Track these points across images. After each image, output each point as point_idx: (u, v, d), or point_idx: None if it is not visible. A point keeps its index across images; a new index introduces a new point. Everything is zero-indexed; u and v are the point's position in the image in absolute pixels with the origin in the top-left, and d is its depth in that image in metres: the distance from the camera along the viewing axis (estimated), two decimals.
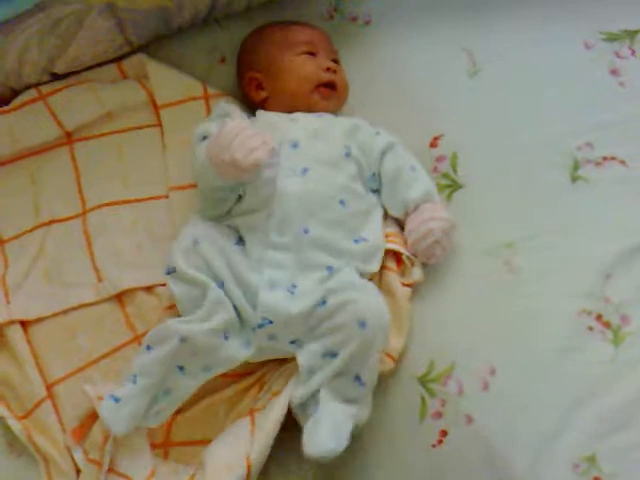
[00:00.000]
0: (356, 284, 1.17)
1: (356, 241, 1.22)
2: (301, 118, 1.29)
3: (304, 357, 1.15)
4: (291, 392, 1.15)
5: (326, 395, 1.13)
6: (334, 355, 1.13)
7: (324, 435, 1.08)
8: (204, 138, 1.23)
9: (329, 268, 1.18)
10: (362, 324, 1.12)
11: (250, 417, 1.18)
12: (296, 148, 1.24)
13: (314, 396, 1.14)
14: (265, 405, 1.18)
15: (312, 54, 1.33)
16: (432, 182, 1.31)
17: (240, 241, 1.20)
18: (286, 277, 1.16)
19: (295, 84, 1.31)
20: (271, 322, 1.15)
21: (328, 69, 1.32)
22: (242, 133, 1.13)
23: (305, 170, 1.21)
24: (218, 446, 1.16)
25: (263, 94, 1.34)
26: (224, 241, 1.19)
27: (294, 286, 1.16)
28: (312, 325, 1.15)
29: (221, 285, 1.15)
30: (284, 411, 1.14)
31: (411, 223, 1.26)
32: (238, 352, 1.16)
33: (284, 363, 1.22)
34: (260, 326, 1.15)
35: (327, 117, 1.31)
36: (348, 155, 1.27)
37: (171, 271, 1.17)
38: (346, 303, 1.13)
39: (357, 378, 1.13)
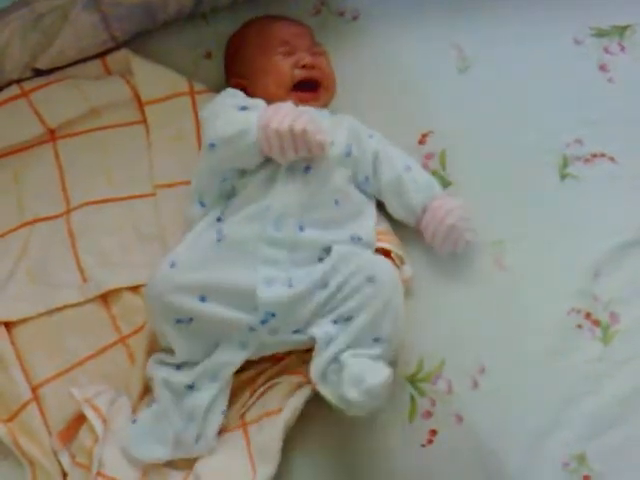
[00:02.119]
0: (351, 250, 1.17)
1: (352, 239, 1.21)
2: None
3: (317, 332, 1.13)
4: (310, 366, 1.13)
5: (348, 356, 1.10)
6: (348, 319, 1.13)
7: (358, 373, 1.06)
8: (243, 108, 1.20)
9: (321, 260, 1.17)
10: (371, 279, 1.12)
11: (242, 431, 1.17)
12: None
13: (334, 362, 1.11)
14: (258, 420, 1.17)
15: (289, 53, 1.30)
16: (428, 175, 1.30)
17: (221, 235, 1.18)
18: (281, 273, 1.15)
19: (272, 87, 1.29)
20: (274, 315, 1.14)
21: (304, 66, 1.30)
22: (308, 113, 1.16)
23: (307, 168, 1.20)
24: (212, 461, 1.15)
25: None
26: (207, 249, 1.18)
27: (290, 280, 1.15)
28: (317, 308, 1.14)
29: (204, 299, 1.13)
30: (283, 435, 1.13)
31: (430, 226, 1.25)
32: (234, 356, 1.16)
33: (279, 362, 1.21)
34: (263, 322, 1.14)
35: (325, 114, 1.30)
36: (348, 155, 1.26)
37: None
38: (349, 265, 1.13)
39: (376, 340, 1.12)
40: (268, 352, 1.19)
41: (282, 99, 1.26)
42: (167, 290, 1.13)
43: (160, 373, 1.16)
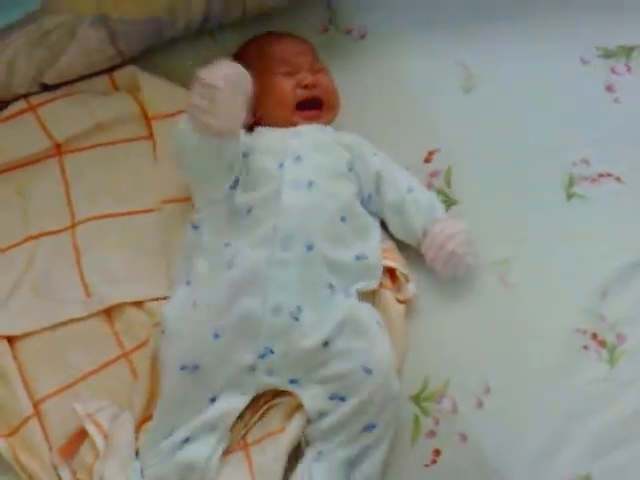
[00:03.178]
0: (363, 324, 1.16)
1: (357, 258, 1.21)
2: (304, 131, 1.27)
3: (309, 401, 1.14)
4: (304, 429, 1.14)
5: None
6: (342, 398, 1.13)
7: None
8: None
9: (331, 286, 1.17)
10: (368, 371, 1.12)
11: (244, 453, 1.16)
12: (300, 162, 1.22)
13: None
14: (260, 440, 1.16)
15: (290, 73, 1.30)
16: (431, 195, 1.30)
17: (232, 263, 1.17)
18: (290, 299, 1.14)
19: (277, 107, 1.29)
20: (272, 352, 1.13)
21: (306, 86, 1.30)
22: None
23: (311, 184, 1.20)
24: None
25: (255, 119, 1.32)
26: (220, 280, 1.17)
27: (299, 309, 1.14)
28: (314, 365, 1.14)
29: (217, 336, 1.13)
30: (286, 457, 1.13)
31: (430, 251, 1.24)
32: (234, 403, 1.14)
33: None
34: (262, 356, 1.13)
35: (329, 131, 1.30)
36: (351, 170, 1.26)
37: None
38: (350, 351, 1.13)
39: (366, 428, 1.12)
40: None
41: (287, 119, 1.28)
42: (187, 330, 1.14)
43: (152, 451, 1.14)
